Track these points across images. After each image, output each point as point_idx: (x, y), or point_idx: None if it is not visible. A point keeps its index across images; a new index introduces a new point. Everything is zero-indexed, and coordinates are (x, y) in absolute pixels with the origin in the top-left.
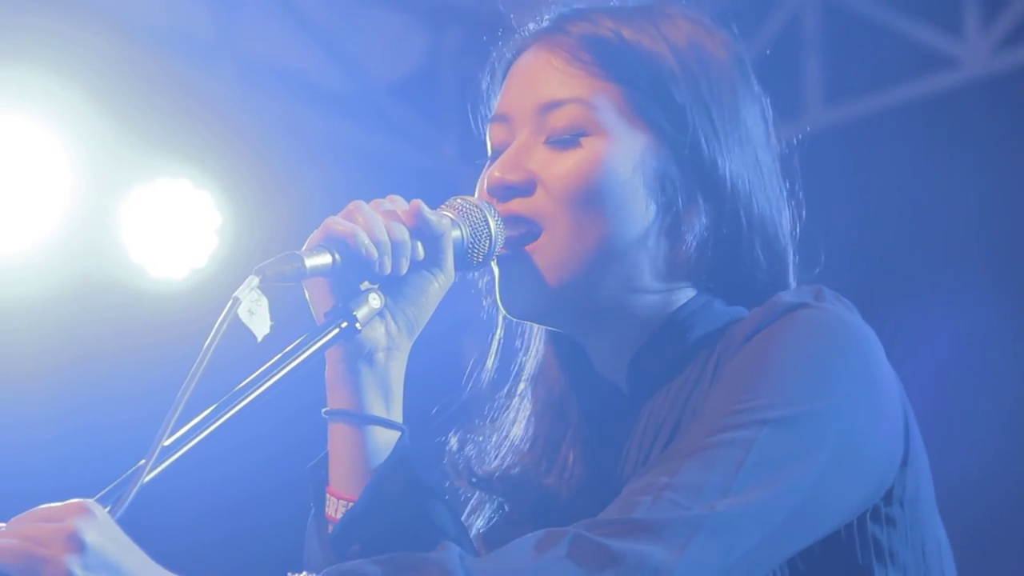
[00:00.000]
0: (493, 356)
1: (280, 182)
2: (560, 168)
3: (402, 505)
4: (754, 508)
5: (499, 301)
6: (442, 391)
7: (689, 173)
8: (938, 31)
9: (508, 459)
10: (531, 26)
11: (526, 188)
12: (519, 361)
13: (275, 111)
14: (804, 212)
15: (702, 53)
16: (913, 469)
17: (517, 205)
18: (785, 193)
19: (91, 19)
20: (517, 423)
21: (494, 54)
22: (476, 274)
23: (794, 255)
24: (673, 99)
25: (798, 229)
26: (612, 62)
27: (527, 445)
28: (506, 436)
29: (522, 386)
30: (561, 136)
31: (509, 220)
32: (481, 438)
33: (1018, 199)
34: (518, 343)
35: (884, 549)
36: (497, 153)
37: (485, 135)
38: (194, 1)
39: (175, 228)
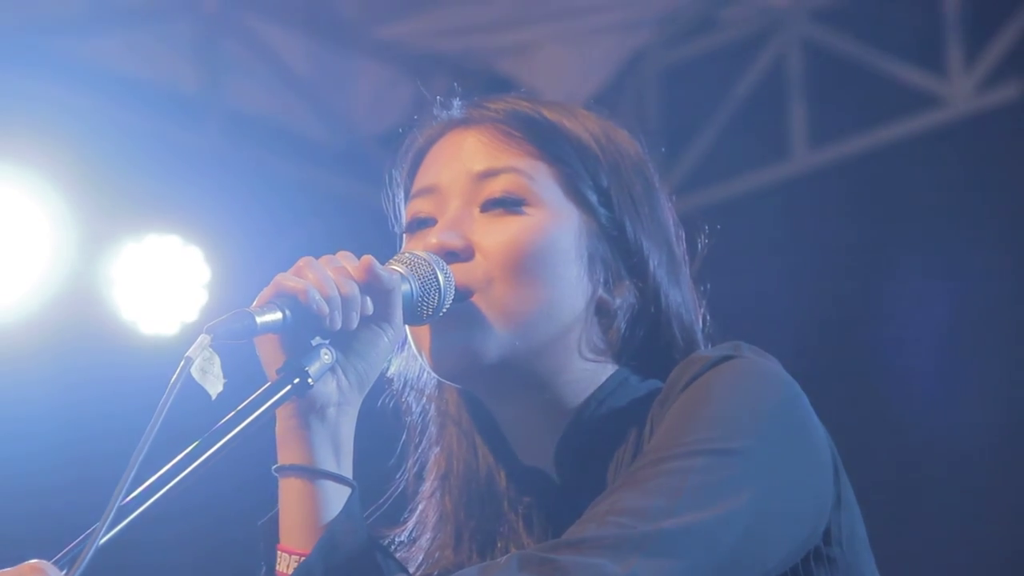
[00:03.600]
0: (414, 451)
1: (268, 235)
2: (501, 235)
3: (353, 560)
4: (698, 529)
5: (429, 360)
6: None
7: (617, 254)
8: (922, 71)
9: (436, 560)
10: (444, 113)
11: (465, 256)
12: (431, 456)
13: (261, 165)
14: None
15: (616, 143)
16: (847, 511)
17: (456, 271)
18: (692, 286)
19: (76, 77)
20: (434, 522)
21: (410, 137)
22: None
23: (705, 345)
24: (600, 181)
25: (707, 323)
26: (542, 139)
27: (453, 543)
28: (426, 538)
29: (434, 483)
30: (500, 203)
31: None
32: (404, 539)
33: (1005, 235)
34: (430, 438)
35: None
36: (421, 223)
37: (393, 213)
38: (178, 57)
39: (165, 284)
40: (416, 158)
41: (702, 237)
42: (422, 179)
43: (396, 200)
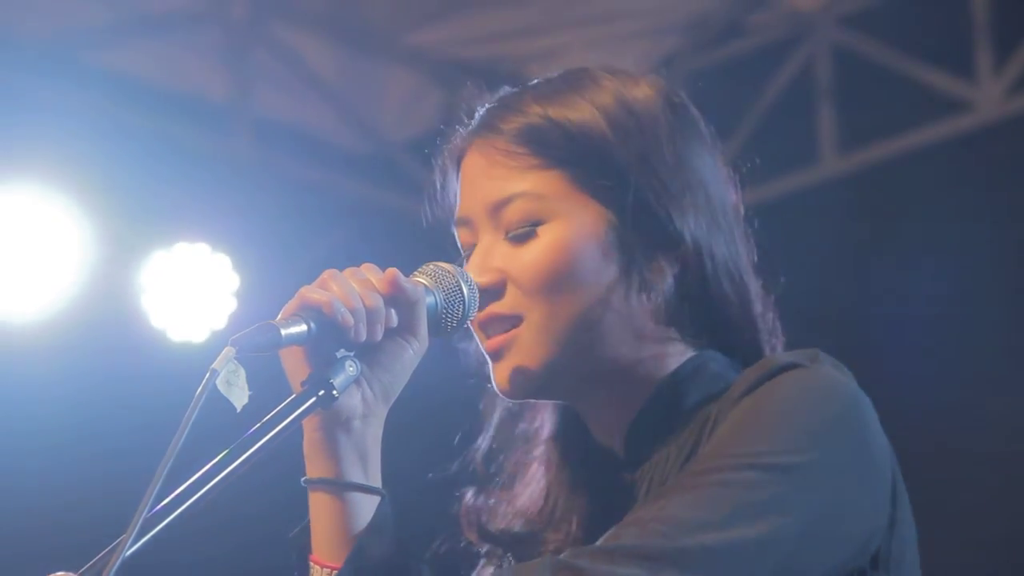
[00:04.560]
0: (494, 424)
1: (296, 243)
2: (524, 261)
3: (385, 570)
4: (737, 546)
5: (495, 386)
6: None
7: (647, 231)
8: (951, 76)
9: (524, 517)
10: (469, 124)
11: (497, 290)
12: (524, 430)
13: (290, 173)
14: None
15: (631, 107)
16: (899, 534)
17: (494, 307)
18: (741, 221)
19: (105, 88)
20: (525, 489)
21: (441, 158)
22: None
23: (756, 283)
24: (613, 165)
25: (755, 256)
26: (548, 149)
27: (539, 505)
28: (514, 500)
29: (539, 448)
30: (518, 230)
31: (491, 321)
32: (492, 499)
33: None
34: (519, 414)
35: None
36: (468, 251)
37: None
38: (207, 66)
39: (194, 292)
40: (455, 176)
41: None
42: (459, 209)
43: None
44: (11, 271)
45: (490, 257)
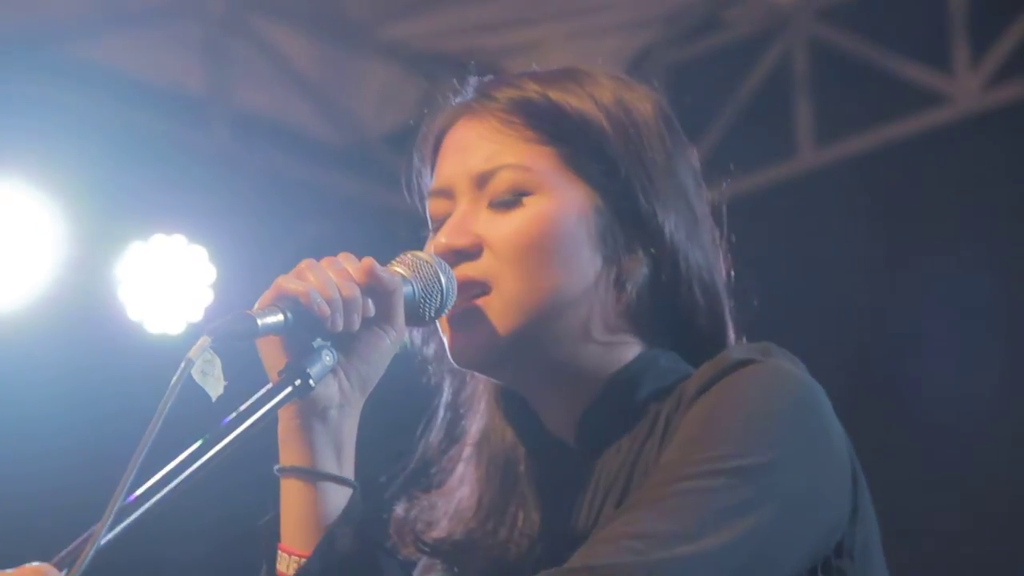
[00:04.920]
0: (440, 421)
1: (274, 235)
2: (505, 228)
3: (353, 561)
4: (712, 554)
5: (449, 354)
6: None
7: (628, 224)
8: (928, 69)
9: (456, 523)
10: (457, 99)
11: (473, 252)
12: (463, 425)
13: (268, 165)
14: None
15: (628, 107)
16: (862, 522)
17: (466, 269)
18: (718, 240)
19: (83, 79)
20: (463, 487)
21: (422, 130)
22: (421, 342)
23: (729, 300)
24: (606, 153)
25: (731, 276)
26: (542, 123)
27: (474, 507)
28: (453, 501)
29: (468, 450)
30: (503, 198)
31: (460, 286)
32: (427, 504)
33: (1012, 233)
34: (462, 407)
35: None
36: (439, 223)
37: (423, 210)
38: (185, 58)
39: (171, 284)
40: (433, 152)
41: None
42: (436, 178)
43: (423, 195)
44: None
45: (469, 221)
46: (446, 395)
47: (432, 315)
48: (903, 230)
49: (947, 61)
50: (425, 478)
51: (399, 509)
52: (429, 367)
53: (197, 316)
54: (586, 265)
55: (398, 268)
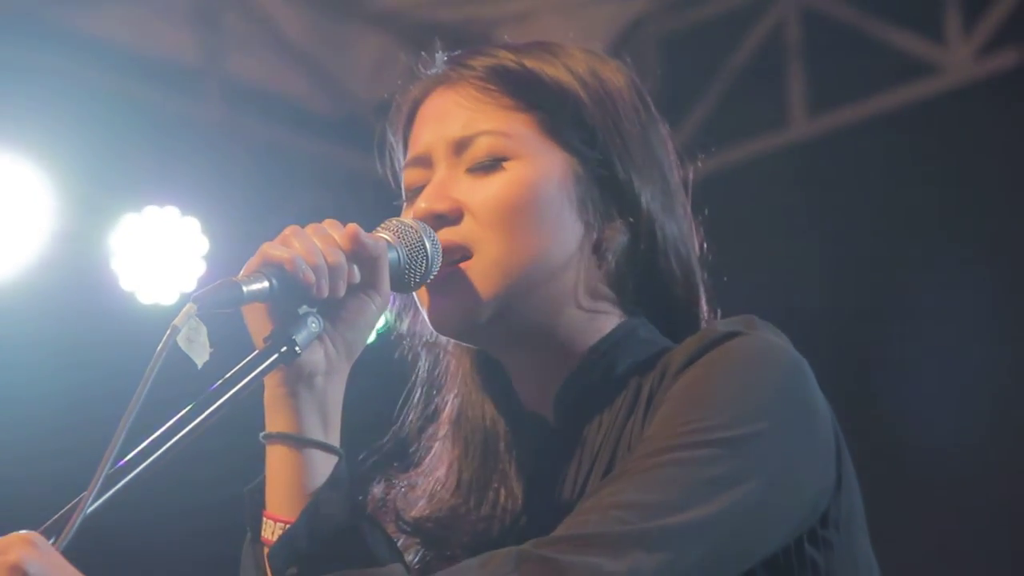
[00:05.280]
0: (416, 399)
1: (267, 206)
2: (485, 193)
3: (339, 528)
4: (698, 524)
5: (428, 321)
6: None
7: (607, 193)
8: (920, 38)
9: (436, 501)
10: (431, 70)
11: (453, 217)
12: (440, 401)
13: (261, 135)
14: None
15: (602, 78)
16: (846, 493)
17: (447, 234)
18: (690, 216)
19: (76, 49)
20: (442, 465)
21: (396, 100)
22: (395, 317)
23: (702, 272)
24: (584, 121)
25: (704, 248)
26: (520, 90)
27: (453, 485)
28: (432, 479)
29: (445, 427)
30: (482, 163)
31: (443, 250)
32: (406, 484)
33: (1003, 203)
34: (437, 384)
35: (821, 571)
36: (415, 192)
37: (393, 181)
38: (178, 28)
39: (164, 255)
40: (407, 123)
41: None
42: (412, 148)
43: (396, 168)
44: None
45: (448, 187)
46: (420, 372)
47: (417, 281)
48: (895, 200)
49: (939, 30)
50: (403, 457)
51: (377, 489)
52: (403, 343)
53: (190, 287)
54: (567, 231)
55: (383, 234)
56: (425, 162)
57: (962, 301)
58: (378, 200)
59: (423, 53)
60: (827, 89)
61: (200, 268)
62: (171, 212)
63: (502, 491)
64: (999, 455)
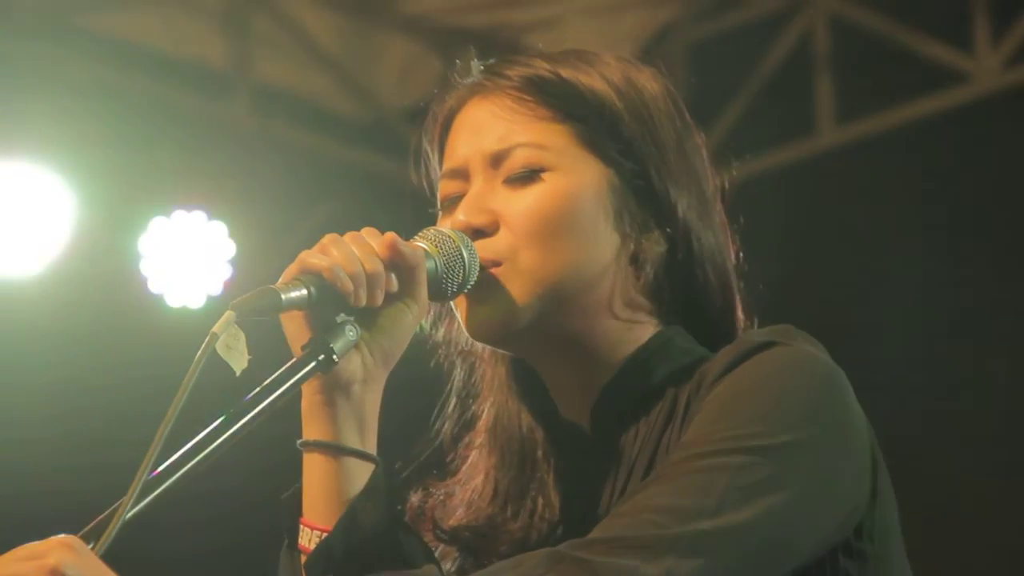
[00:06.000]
0: (451, 408)
1: (293, 210)
2: (521, 204)
3: (375, 537)
4: (732, 530)
5: (465, 328)
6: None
7: (644, 203)
8: (948, 47)
9: (473, 510)
10: (466, 79)
11: (490, 229)
12: (477, 410)
13: (288, 140)
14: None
15: (638, 87)
16: (882, 505)
17: (482, 246)
18: (726, 224)
19: (105, 52)
20: (479, 473)
21: (432, 109)
22: (431, 326)
23: (738, 281)
24: (620, 132)
25: (739, 257)
26: (556, 101)
27: (490, 494)
28: (469, 488)
29: (481, 436)
30: (518, 175)
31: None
32: (444, 491)
33: None
34: (475, 391)
35: None
36: (451, 201)
37: (429, 190)
38: (207, 32)
39: (192, 258)
40: (443, 133)
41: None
42: (449, 159)
43: (432, 177)
44: (8, 237)
45: (486, 199)
46: (456, 381)
47: (454, 290)
48: (924, 209)
49: (968, 40)
50: (439, 466)
51: (415, 498)
52: (439, 352)
53: (217, 291)
54: (603, 242)
55: (421, 243)
56: (462, 174)
57: (992, 309)
58: (404, 206)
59: (457, 61)
60: (855, 98)
61: (228, 272)
62: (199, 216)
63: (539, 500)
64: None
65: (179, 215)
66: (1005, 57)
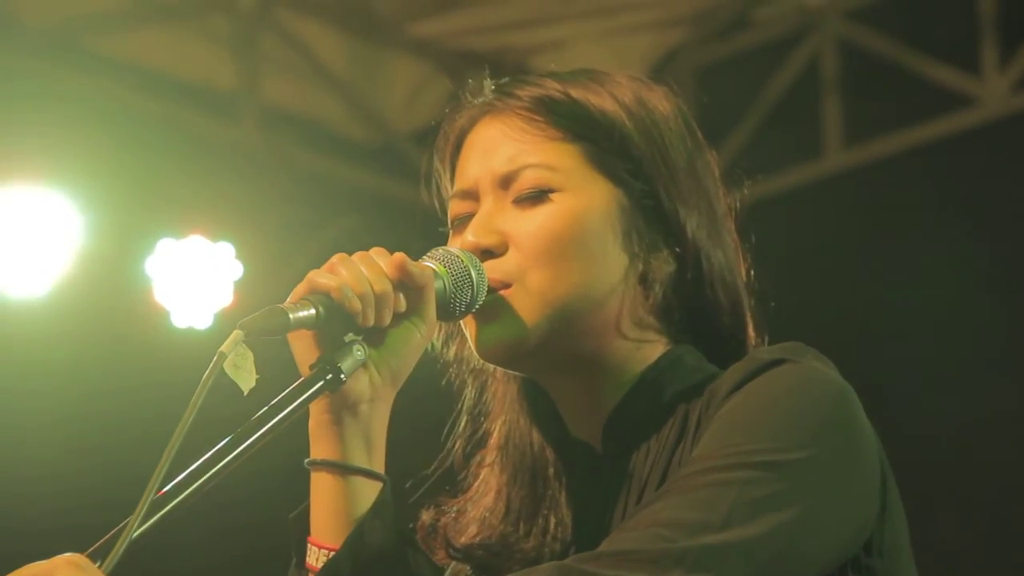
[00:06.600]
0: (462, 425)
1: (301, 232)
2: (530, 225)
3: (383, 555)
4: (739, 545)
5: (474, 348)
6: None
7: (652, 223)
8: (957, 71)
9: (486, 528)
10: (477, 98)
11: (499, 250)
12: (488, 428)
13: (296, 161)
14: (752, 261)
15: (648, 106)
16: (891, 520)
17: (491, 266)
18: (737, 242)
19: (113, 74)
20: (490, 491)
21: (443, 130)
22: (442, 344)
23: (749, 299)
24: (630, 152)
25: (750, 275)
26: (565, 121)
27: (503, 512)
28: (481, 505)
29: (493, 453)
30: (528, 195)
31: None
32: (456, 509)
33: None
34: (486, 409)
35: None
36: (461, 222)
37: (440, 209)
38: (214, 53)
39: (199, 279)
40: (454, 152)
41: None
42: (459, 180)
43: (443, 195)
44: (14, 257)
45: (494, 219)
46: (468, 399)
47: (463, 310)
48: (930, 232)
49: (976, 63)
50: (451, 484)
51: (426, 516)
52: (450, 370)
53: (224, 312)
54: (612, 262)
55: (430, 263)
56: (472, 195)
57: (999, 331)
58: (412, 227)
59: (470, 80)
60: (863, 120)
61: (234, 293)
62: (205, 237)
63: (552, 519)
64: None
65: (186, 236)
66: (1013, 81)
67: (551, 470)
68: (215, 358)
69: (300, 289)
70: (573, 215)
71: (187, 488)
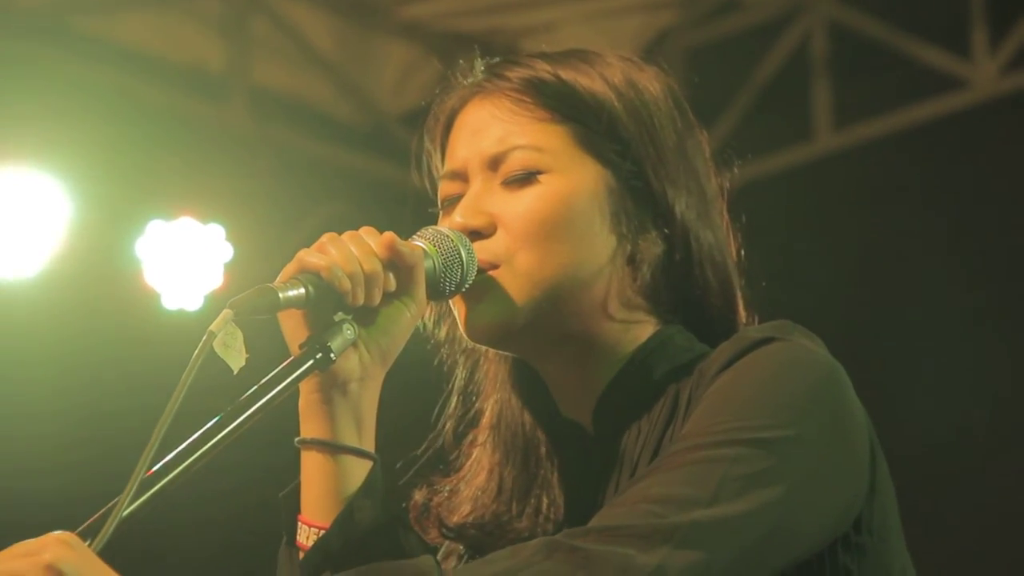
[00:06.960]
0: (454, 405)
1: (291, 214)
2: (518, 206)
3: (373, 533)
4: (728, 521)
5: (463, 329)
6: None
7: (641, 204)
8: (946, 53)
9: (479, 507)
10: (468, 79)
11: (488, 231)
12: (479, 408)
13: (286, 143)
14: (742, 242)
15: (638, 87)
16: (880, 499)
17: (480, 247)
18: (727, 222)
19: (103, 56)
20: (483, 470)
21: (433, 110)
22: (433, 324)
23: (739, 280)
24: (618, 133)
25: (741, 255)
26: (554, 102)
27: (495, 491)
28: (474, 485)
29: (485, 433)
30: (516, 176)
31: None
32: (448, 488)
33: None
34: (478, 389)
35: None
36: (451, 201)
37: (430, 189)
38: (204, 36)
39: (189, 261)
40: (444, 132)
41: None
42: (449, 160)
43: (434, 176)
44: (4, 239)
45: (484, 201)
46: (459, 379)
47: (452, 289)
48: (921, 214)
49: (965, 46)
50: (443, 463)
51: (419, 495)
52: (442, 350)
53: (214, 294)
54: (599, 243)
55: (419, 242)
56: (461, 176)
57: (987, 315)
58: (402, 209)
59: (461, 61)
60: (853, 103)
61: (225, 274)
62: (196, 219)
63: (544, 498)
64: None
65: (177, 218)
66: (1002, 63)
67: (543, 449)
68: (205, 337)
69: (290, 268)
70: (561, 197)
71: (177, 467)
